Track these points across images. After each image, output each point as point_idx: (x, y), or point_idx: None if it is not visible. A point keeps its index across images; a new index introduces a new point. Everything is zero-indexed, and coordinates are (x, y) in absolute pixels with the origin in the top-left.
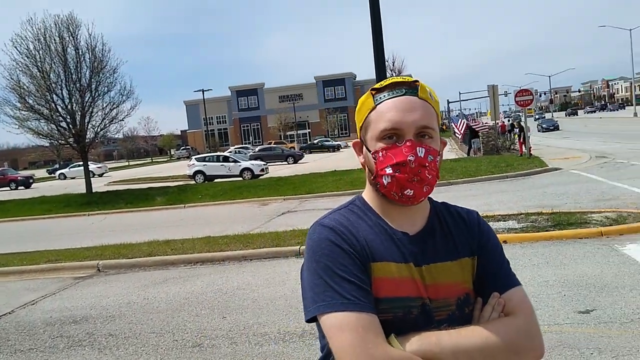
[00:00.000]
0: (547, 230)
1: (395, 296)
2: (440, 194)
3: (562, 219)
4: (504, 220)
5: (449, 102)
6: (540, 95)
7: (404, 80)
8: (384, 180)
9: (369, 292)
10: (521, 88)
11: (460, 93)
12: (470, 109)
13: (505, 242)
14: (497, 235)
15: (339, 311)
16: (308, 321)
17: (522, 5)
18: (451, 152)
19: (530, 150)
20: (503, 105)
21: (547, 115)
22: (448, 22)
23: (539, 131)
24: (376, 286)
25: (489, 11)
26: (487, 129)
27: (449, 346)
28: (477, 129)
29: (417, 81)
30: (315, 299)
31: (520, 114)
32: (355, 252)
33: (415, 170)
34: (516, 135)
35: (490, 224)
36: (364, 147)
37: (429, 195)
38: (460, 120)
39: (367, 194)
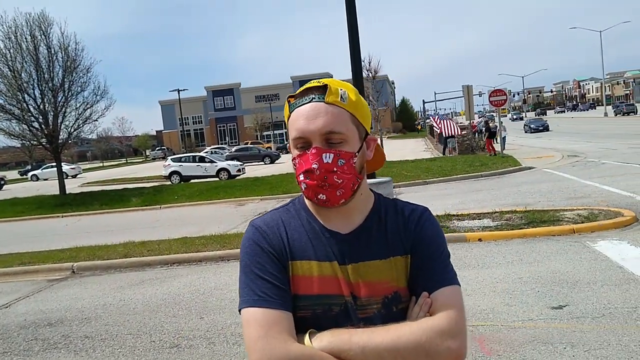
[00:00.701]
0: (520, 228)
1: (314, 294)
2: (416, 194)
3: (536, 216)
4: (478, 219)
5: (424, 102)
6: (513, 96)
7: (315, 85)
8: (302, 185)
9: (284, 289)
10: (495, 88)
11: (435, 93)
12: (445, 109)
13: (480, 239)
14: (473, 233)
15: (250, 307)
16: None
17: (495, 5)
18: (426, 151)
19: (500, 151)
20: (478, 105)
21: (526, 115)
22: (424, 21)
23: (526, 132)
24: (295, 284)
25: (463, 11)
26: (459, 132)
27: (359, 344)
28: (451, 133)
29: (326, 85)
30: (239, 294)
31: (494, 114)
32: (274, 251)
33: (321, 176)
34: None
35: (465, 222)
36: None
37: (378, 193)
38: (442, 120)
39: None
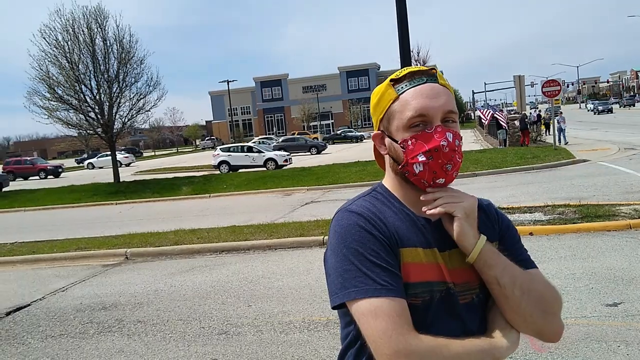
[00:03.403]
0: (574, 223)
1: (423, 280)
2: (465, 186)
3: (590, 211)
4: (530, 212)
5: (474, 93)
6: (567, 86)
7: (420, 69)
8: (415, 168)
9: (400, 277)
10: (548, 78)
11: (485, 84)
12: (495, 100)
13: (531, 233)
14: (524, 227)
15: (372, 297)
16: (335, 308)
17: None
18: (476, 143)
19: (555, 143)
20: (529, 95)
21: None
22: (475, 9)
23: (594, 114)
24: (405, 271)
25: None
26: (510, 120)
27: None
28: (501, 122)
29: (433, 68)
30: (346, 285)
31: (536, 109)
32: (385, 238)
33: (449, 155)
34: (542, 126)
35: (516, 215)
36: (387, 139)
37: None
38: (486, 110)
39: (388, 182)
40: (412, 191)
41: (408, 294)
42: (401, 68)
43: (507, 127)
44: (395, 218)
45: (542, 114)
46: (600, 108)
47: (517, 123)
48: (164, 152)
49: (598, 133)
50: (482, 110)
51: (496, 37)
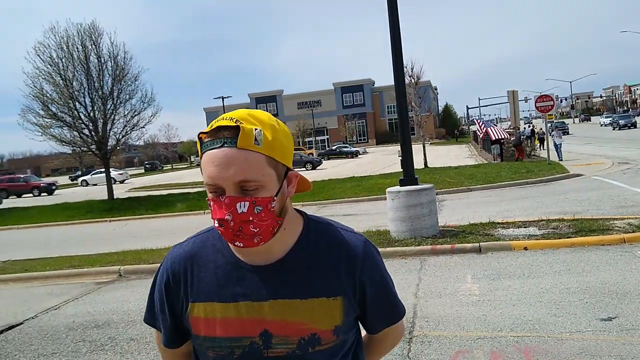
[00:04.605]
0: (568, 237)
1: (216, 336)
2: (460, 200)
3: (584, 225)
4: (524, 227)
5: (468, 108)
6: (561, 101)
7: (226, 124)
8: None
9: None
10: (542, 94)
11: (479, 99)
12: (489, 115)
13: (525, 248)
14: (518, 242)
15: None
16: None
17: (542, 8)
18: (470, 158)
19: (549, 157)
20: (523, 111)
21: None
22: (468, 26)
23: (614, 128)
24: (195, 325)
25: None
26: (506, 137)
27: None
28: (497, 138)
29: (238, 127)
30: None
31: (529, 125)
32: (173, 291)
33: (236, 227)
34: (537, 141)
35: (510, 230)
36: None
37: (310, 217)
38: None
39: None
40: None
41: (202, 346)
42: (395, 84)
43: (504, 140)
44: (206, 268)
45: (537, 129)
46: (621, 122)
47: (511, 138)
48: (170, 167)
49: (592, 147)
50: (478, 122)
51: (489, 52)
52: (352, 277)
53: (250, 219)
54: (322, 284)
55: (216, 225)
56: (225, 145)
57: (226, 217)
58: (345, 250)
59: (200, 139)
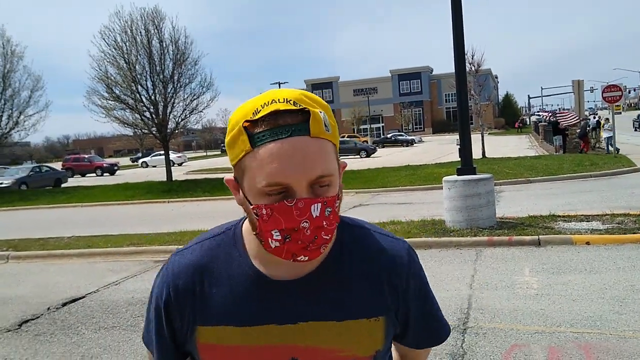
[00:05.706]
0: (634, 233)
1: None
2: (519, 192)
3: None
4: (587, 221)
5: (529, 98)
6: (629, 92)
7: (288, 108)
8: (270, 243)
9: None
10: (609, 83)
11: (542, 88)
12: (552, 105)
13: (588, 243)
14: (581, 236)
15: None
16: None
17: None
18: (531, 149)
19: (606, 149)
20: (588, 101)
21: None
22: (531, 12)
23: None
24: (204, 352)
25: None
26: (573, 122)
27: None
28: (563, 124)
29: (306, 110)
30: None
31: (594, 116)
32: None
33: (311, 237)
34: (602, 132)
35: (572, 224)
36: (241, 191)
37: (343, 219)
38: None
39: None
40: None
41: None
42: (455, 72)
43: (568, 132)
44: (220, 283)
45: (602, 120)
46: None
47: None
48: (215, 153)
49: None
50: (545, 111)
51: (554, 40)
52: (396, 291)
53: (324, 224)
54: (362, 302)
55: (277, 237)
56: (295, 133)
57: (302, 224)
58: (387, 260)
59: (246, 129)
